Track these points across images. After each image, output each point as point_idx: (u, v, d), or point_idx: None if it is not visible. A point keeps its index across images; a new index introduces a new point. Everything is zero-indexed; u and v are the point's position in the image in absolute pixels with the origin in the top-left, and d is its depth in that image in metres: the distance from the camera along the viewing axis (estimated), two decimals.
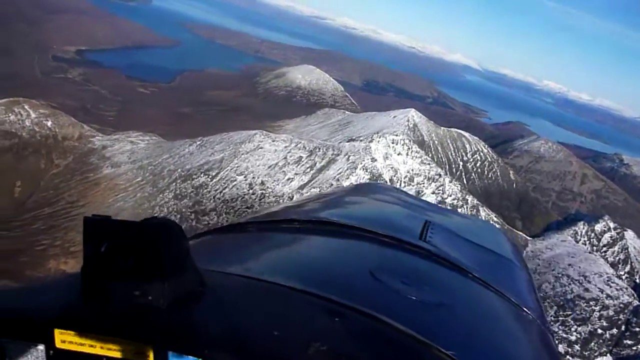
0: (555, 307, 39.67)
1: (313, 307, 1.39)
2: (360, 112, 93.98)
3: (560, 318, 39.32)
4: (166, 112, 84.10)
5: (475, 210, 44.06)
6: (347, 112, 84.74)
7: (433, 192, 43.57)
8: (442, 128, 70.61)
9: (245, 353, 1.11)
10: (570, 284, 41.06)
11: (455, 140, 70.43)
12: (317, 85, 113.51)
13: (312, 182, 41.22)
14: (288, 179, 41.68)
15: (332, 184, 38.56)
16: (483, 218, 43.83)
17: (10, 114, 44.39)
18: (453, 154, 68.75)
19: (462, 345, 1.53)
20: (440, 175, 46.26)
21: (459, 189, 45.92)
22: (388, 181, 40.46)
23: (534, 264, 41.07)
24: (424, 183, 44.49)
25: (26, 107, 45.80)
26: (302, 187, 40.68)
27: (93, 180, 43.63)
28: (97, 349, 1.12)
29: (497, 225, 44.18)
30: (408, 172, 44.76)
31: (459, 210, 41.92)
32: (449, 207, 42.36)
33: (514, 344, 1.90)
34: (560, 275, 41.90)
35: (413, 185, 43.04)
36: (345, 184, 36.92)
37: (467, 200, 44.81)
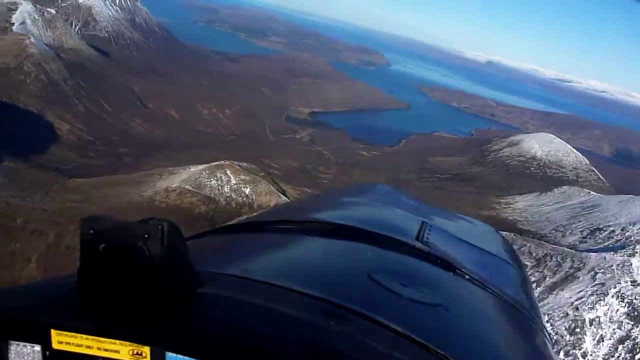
0: None
1: (309, 308, 1.39)
2: (608, 190, 78.70)
3: None
4: (383, 178, 79.78)
5: None
6: (592, 192, 70.57)
7: None
8: None
9: (242, 354, 1.10)
10: None
11: None
12: (556, 156, 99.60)
13: (540, 305, 30.17)
14: None
15: (567, 314, 27.20)
16: None
17: (212, 179, 43.84)
18: None
19: (458, 345, 1.56)
20: None
21: None
22: None
23: None
24: None
25: (228, 172, 44.98)
26: None
27: None
28: (94, 350, 1.12)
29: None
30: None
31: None
32: None
33: (510, 345, 1.91)
34: None
35: None
36: (589, 314, 25.83)
37: None
